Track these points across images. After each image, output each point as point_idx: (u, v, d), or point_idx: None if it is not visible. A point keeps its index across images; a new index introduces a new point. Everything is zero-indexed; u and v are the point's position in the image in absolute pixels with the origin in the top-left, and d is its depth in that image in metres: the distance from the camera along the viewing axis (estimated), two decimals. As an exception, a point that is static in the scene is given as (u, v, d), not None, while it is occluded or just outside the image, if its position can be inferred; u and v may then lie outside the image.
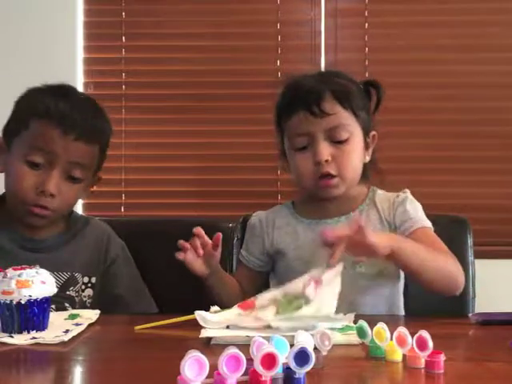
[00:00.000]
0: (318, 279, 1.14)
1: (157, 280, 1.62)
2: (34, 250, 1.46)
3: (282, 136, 1.49)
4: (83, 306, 1.46)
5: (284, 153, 1.50)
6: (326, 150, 1.38)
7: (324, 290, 1.14)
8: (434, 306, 1.56)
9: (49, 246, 1.49)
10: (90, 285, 1.50)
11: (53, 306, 1.38)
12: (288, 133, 1.44)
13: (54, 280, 1.16)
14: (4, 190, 1.53)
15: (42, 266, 1.42)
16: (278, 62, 2.34)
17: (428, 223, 1.44)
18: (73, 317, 1.22)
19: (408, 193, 1.48)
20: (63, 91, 1.47)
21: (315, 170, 1.39)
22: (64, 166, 1.41)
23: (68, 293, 1.46)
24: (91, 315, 1.22)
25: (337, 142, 1.39)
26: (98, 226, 1.58)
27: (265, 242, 1.51)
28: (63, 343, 1.04)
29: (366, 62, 2.32)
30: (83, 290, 1.49)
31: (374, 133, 1.49)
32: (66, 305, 1.43)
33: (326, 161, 1.38)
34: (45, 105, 1.41)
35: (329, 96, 1.39)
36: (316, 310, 1.09)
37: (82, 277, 1.49)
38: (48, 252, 1.48)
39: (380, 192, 1.50)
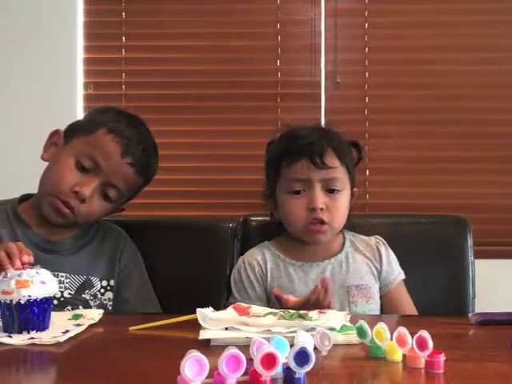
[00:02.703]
0: (321, 311, 1.15)
1: (156, 280, 1.62)
2: (51, 252, 1.48)
3: (274, 178, 1.54)
4: (104, 309, 1.47)
5: (271, 193, 1.57)
6: (321, 199, 1.48)
7: (329, 313, 1.14)
8: (434, 306, 1.57)
9: (66, 248, 1.51)
10: (109, 288, 1.52)
11: (69, 308, 1.39)
12: (287, 177, 1.51)
13: (55, 280, 1.17)
14: (23, 193, 1.57)
15: (58, 269, 1.44)
16: (278, 62, 2.34)
17: (402, 273, 1.56)
18: (76, 317, 1.22)
19: (382, 239, 1.59)
20: (136, 122, 1.55)
21: (308, 215, 1.48)
22: (106, 181, 1.46)
23: (83, 296, 1.48)
24: (94, 315, 1.22)
25: (330, 193, 1.49)
26: (114, 230, 1.61)
27: (264, 282, 1.53)
28: (59, 344, 1.04)
29: (366, 62, 2.32)
30: (103, 294, 1.51)
31: (355, 189, 1.59)
32: (80, 307, 1.43)
33: (321, 209, 1.47)
34: (117, 123, 1.49)
35: (330, 151, 1.49)
36: (320, 323, 1.07)
37: (101, 280, 1.51)
38: (65, 254, 1.50)
39: (352, 235, 1.60)
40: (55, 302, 1.42)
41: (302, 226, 1.49)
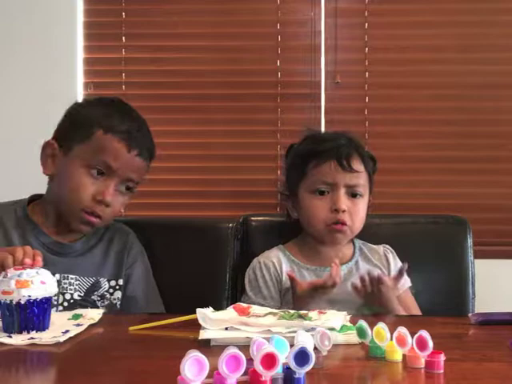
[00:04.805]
0: (321, 311, 1.15)
1: (157, 279, 1.62)
2: (61, 255, 1.48)
3: (297, 177, 1.57)
4: (114, 309, 1.48)
5: (292, 192, 1.60)
6: (345, 201, 1.54)
7: (329, 313, 1.14)
8: (434, 306, 1.57)
9: (76, 250, 1.51)
10: (118, 287, 1.52)
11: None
12: (313, 177, 1.55)
13: (55, 280, 1.17)
14: (22, 194, 1.56)
15: (68, 271, 1.44)
16: (278, 62, 2.34)
17: (408, 280, 1.58)
18: (76, 317, 1.22)
19: (390, 248, 1.64)
20: (119, 105, 1.55)
21: (330, 216, 1.54)
22: (121, 178, 1.47)
23: (92, 297, 1.48)
24: (94, 315, 1.22)
25: (352, 197, 1.56)
26: (122, 229, 1.61)
27: (278, 284, 1.56)
28: (59, 344, 1.04)
29: (366, 62, 2.32)
30: (112, 294, 1.51)
31: (371, 198, 1.64)
32: (89, 309, 1.43)
33: (344, 211, 1.53)
34: (109, 119, 1.47)
35: (356, 155, 1.57)
36: (320, 323, 1.07)
37: (109, 281, 1.52)
38: (74, 256, 1.50)
39: (362, 243, 1.65)
40: (65, 304, 1.44)
41: (323, 225, 1.54)
